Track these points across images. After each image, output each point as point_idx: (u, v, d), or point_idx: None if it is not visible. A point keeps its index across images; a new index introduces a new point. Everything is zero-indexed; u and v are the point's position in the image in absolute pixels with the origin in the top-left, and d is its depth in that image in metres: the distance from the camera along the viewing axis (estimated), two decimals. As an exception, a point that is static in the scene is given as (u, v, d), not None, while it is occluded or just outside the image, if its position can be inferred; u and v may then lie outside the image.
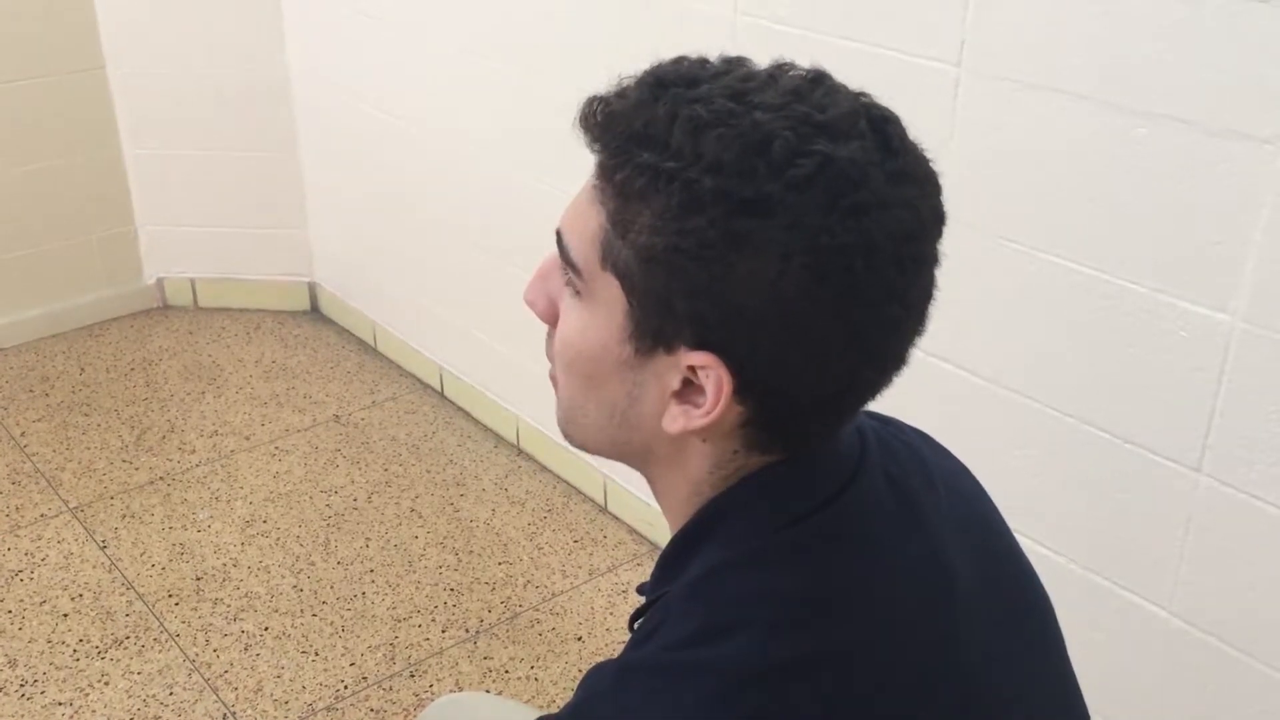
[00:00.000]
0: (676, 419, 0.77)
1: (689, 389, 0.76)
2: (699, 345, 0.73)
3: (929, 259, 0.75)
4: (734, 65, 0.75)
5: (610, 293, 0.75)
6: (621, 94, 0.74)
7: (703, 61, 0.75)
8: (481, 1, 2.49)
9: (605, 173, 0.74)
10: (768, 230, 0.69)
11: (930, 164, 0.76)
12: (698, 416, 0.75)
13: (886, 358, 0.76)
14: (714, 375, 0.73)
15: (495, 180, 2.62)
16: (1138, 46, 1.46)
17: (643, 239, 0.72)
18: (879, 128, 0.73)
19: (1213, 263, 1.46)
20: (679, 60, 0.75)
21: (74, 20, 3.09)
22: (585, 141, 0.75)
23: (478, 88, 2.57)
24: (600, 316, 0.77)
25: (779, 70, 0.75)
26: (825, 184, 0.69)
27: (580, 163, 0.78)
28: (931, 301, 0.76)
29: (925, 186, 0.74)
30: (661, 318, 0.74)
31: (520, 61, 2.43)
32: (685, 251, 0.70)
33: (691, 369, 0.74)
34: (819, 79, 0.74)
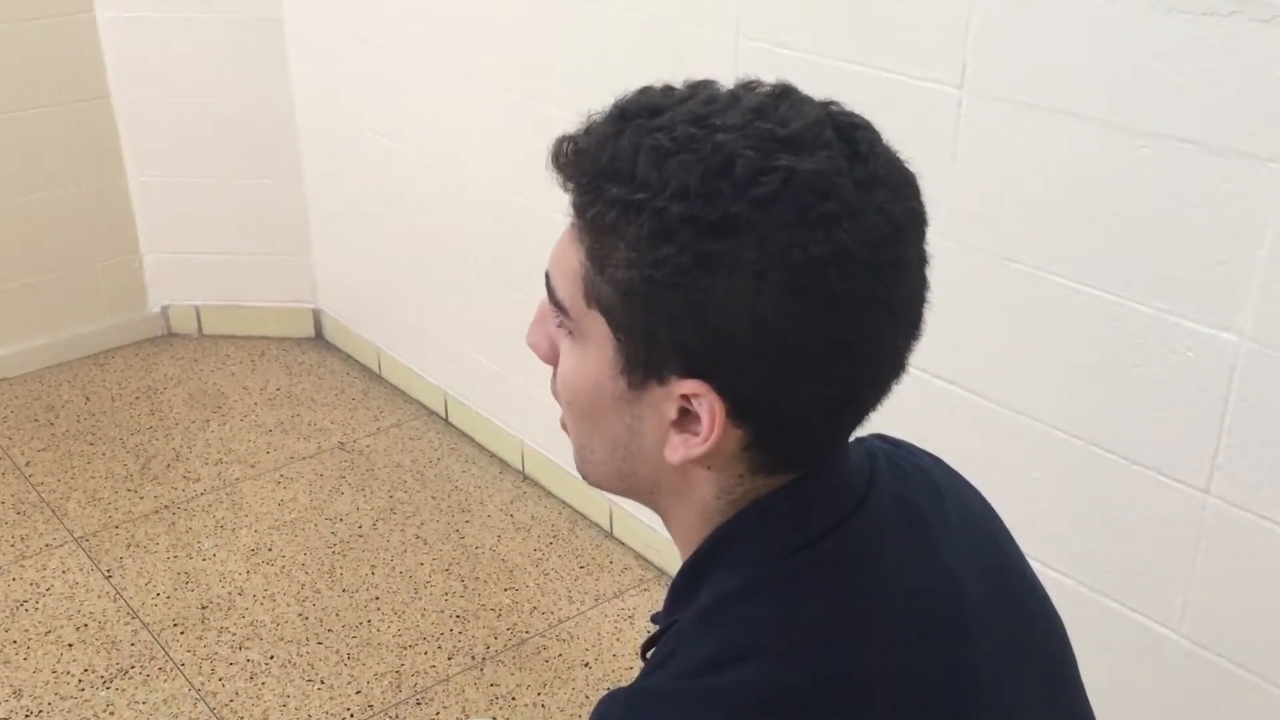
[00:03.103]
0: (677, 449, 0.76)
1: (686, 418, 0.75)
2: (688, 373, 0.73)
3: (911, 262, 0.74)
4: (699, 89, 0.75)
5: (598, 329, 0.75)
6: (588, 130, 0.74)
7: (667, 89, 0.75)
8: (484, 28, 2.50)
9: (579, 211, 0.74)
10: (738, 250, 0.68)
11: (904, 166, 0.75)
12: (696, 444, 0.75)
13: (879, 366, 0.75)
14: (706, 402, 0.73)
15: (499, 206, 2.62)
16: (1140, 67, 1.46)
17: (620, 273, 0.72)
18: (846, 135, 0.72)
19: (1218, 282, 1.46)
20: (644, 90, 0.75)
21: (78, 50, 3.10)
22: (558, 182, 0.76)
23: (480, 114, 2.58)
24: (592, 354, 0.77)
25: (743, 89, 0.75)
26: (791, 198, 0.68)
27: (545, 168, 0.78)
28: (924, 304, 0.76)
29: (899, 189, 0.73)
30: (648, 349, 0.74)
31: (523, 87, 2.44)
32: (661, 281, 0.70)
33: (685, 397, 0.74)
34: (783, 94, 0.74)
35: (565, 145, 0.75)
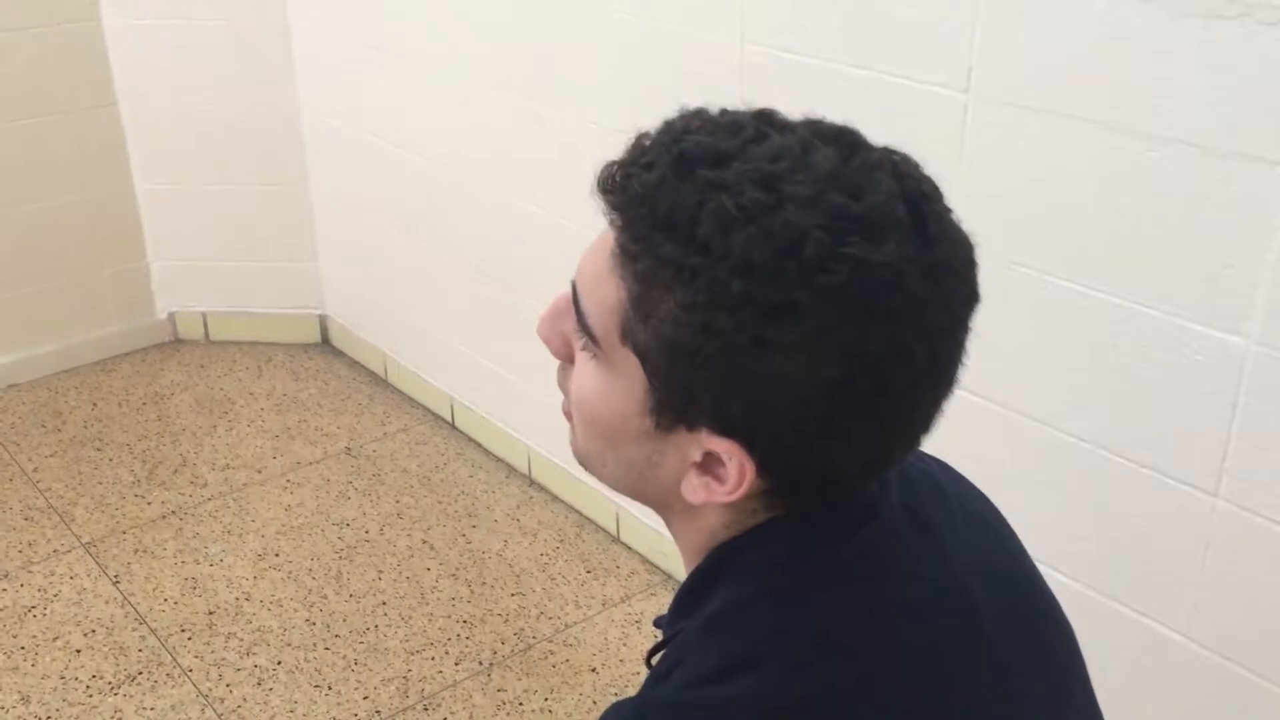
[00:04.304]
0: (698, 491, 0.75)
1: (710, 460, 0.74)
2: (722, 432, 0.72)
3: (962, 343, 0.73)
4: (763, 128, 0.71)
5: (630, 366, 0.73)
6: (645, 165, 0.70)
7: (731, 126, 0.71)
8: (489, 34, 2.50)
9: (628, 256, 0.71)
10: (796, 336, 0.66)
11: (966, 240, 0.73)
12: (720, 493, 0.74)
13: (917, 431, 0.75)
14: (736, 461, 0.72)
15: (505, 211, 2.62)
16: (1147, 70, 1.46)
17: (666, 328, 0.69)
18: (915, 208, 0.69)
19: (1226, 286, 1.46)
20: (705, 124, 0.71)
21: (86, 57, 3.11)
22: (603, 210, 0.72)
23: (486, 120, 2.58)
24: (620, 387, 0.75)
25: (811, 136, 0.71)
26: (857, 290, 0.66)
27: (590, 194, 0.77)
28: (960, 366, 0.74)
29: (961, 273, 0.72)
30: (683, 403, 0.72)
31: (528, 93, 2.44)
32: (710, 350, 0.68)
33: (715, 450, 0.73)
34: (852, 147, 0.71)
35: (615, 174, 0.71)
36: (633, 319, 0.71)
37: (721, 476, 0.74)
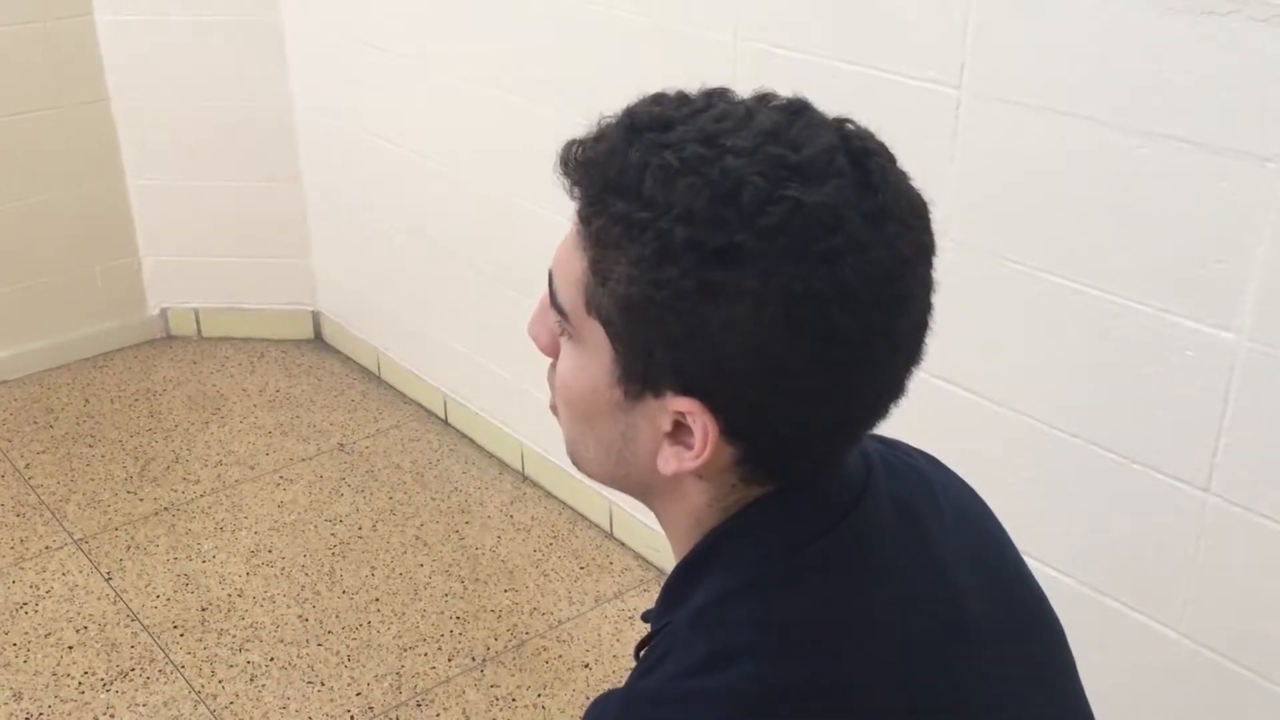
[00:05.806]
0: (670, 460, 0.77)
1: (680, 430, 0.76)
2: (683, 391, 0.73)
3: (915, 295, 0.73)
4: (712, 101, 0.74)
5: (597, 337, 0.75)
6: (598, 138, 0.73)
7: (681, 99, 0.74)
8: (484, 30, 2.50)
9: (584, 221, 0.74)
10: (740, 280, 0.68)
11: (916, 194, 0.74)
12: (689, 459, 0.75)
13: (877, 393, 0.75)
14: (700, 420, 0.73)
15: (498, 208, 2.62)
16: (1138, 66, 1.46)
17: (620, 288, 0.72)
18: (859, 162, 0.71)
19: (1217, 281, 1.46)
20: (657, 99, 0.75)
21: (78, 53, 3.10)
22: (564, 187, 0.75)
23: (480, 116, 2.58)
24: (590, 359, 0.77)
25: (757, 104, 0.74)
26: (796, 231, 0.68)
27: (552, 171, 0.78)
28: (926, 331, 0.75)
29: (909, 221, 0.72)
30: (645, 364, 0.74)
31: (522, 89, 2.44)
32: (660, 302, 0.70)
33: (679, 413, 0.74)
34: (798, 112, 0.73)
35: (574, 150, 0.74)
36: (593, 286, 0.73)
37: (690, 443, 0.75)
